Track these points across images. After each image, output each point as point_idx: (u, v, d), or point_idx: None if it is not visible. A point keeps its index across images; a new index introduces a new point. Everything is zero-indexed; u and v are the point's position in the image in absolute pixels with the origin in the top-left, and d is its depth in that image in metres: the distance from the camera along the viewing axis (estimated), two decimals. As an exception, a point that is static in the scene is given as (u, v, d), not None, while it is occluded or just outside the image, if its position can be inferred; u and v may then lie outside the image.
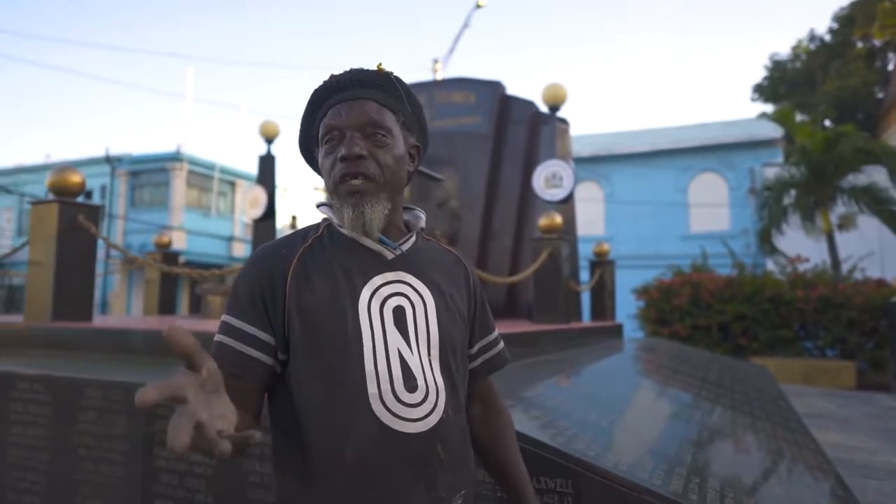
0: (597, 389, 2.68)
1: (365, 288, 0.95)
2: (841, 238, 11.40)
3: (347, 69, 1.02)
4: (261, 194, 7.27)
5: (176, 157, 18.56)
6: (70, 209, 3.19)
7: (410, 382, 0.92)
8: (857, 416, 6.17)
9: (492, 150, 6.46)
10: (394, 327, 0.94)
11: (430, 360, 0.96)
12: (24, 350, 2.87)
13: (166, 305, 5.82)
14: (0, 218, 21.56)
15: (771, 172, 13.89)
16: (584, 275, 6.97)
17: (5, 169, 21.41)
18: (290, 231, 1.11)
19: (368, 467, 0.88)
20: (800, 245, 11.75)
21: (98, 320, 3.61)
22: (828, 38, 23.55)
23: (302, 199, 22.67)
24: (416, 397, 0.92)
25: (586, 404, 2.23)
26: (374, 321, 0.93)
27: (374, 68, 1.02)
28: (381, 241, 0.99)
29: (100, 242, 3.34)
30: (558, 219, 4.69)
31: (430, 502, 0.92)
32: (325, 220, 1.04)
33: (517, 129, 6.53)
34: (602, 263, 6.70)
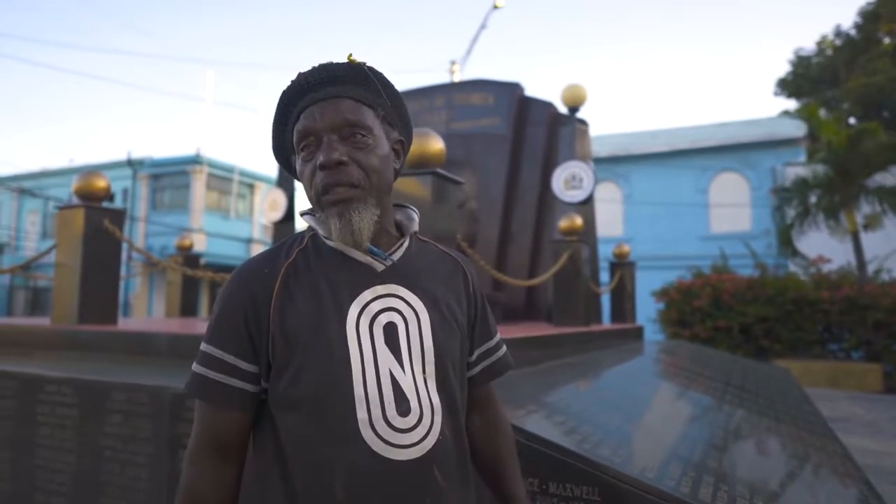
0: (619, 393, 2.66)
1: (353, 305, 0.88)
2: (865, 238, 11.20)
3: (317, 65, 0.93)
4: (280, 197, 7.31)
5: (196, 160, 18.77)
6: (95, 214, 3.24)
7: (403, 406, 0.86)
8: (884, 421, 6.05)
9: (510, 152, 6.43)
10: (384, 346, 0.88)
11: (424, 379, 0.89)
12: (50, 352, 2.92)
13: (188, 307, 5.89)
14: (25, 221, 21.98)
15: (793, 172, 13.69)
16: (604, 276, 6.91)
17: (30, 173, 21.81)
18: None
19: (360, 503, 0.83)
20: (822, 246, 11.56)
21: (122, 323, 3.66)
22: (853, 33, 23.15)
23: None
24: (409, 421, 0.86)
25: (609, 409, 2.21)
26: (363, 341, 0.87)
27: (345, 60, 0.93)
28: (370, 252, 0.91)
29: (123, 244, 3.39)
30: (578, 220, 4.66)
31: None
32: (309, 229, 0.97)
33: (536, 131, 6.50)
34: (622, 265, 6.64)
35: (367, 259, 0.91)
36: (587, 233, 5.38)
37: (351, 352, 0.86)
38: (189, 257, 6.09)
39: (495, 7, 14.47)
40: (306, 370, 0.85)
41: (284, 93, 0.94)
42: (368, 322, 0.88)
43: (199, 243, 17.53)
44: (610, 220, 17.12)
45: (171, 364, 2.53)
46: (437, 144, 2.33)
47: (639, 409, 2.46)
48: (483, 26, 14.95)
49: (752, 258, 12.02)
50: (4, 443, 2.32)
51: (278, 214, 7.25)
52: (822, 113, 11.98)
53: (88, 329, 3.01)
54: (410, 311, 0.91)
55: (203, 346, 0.91)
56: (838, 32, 23.76)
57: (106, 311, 3.27)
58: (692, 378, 3.87)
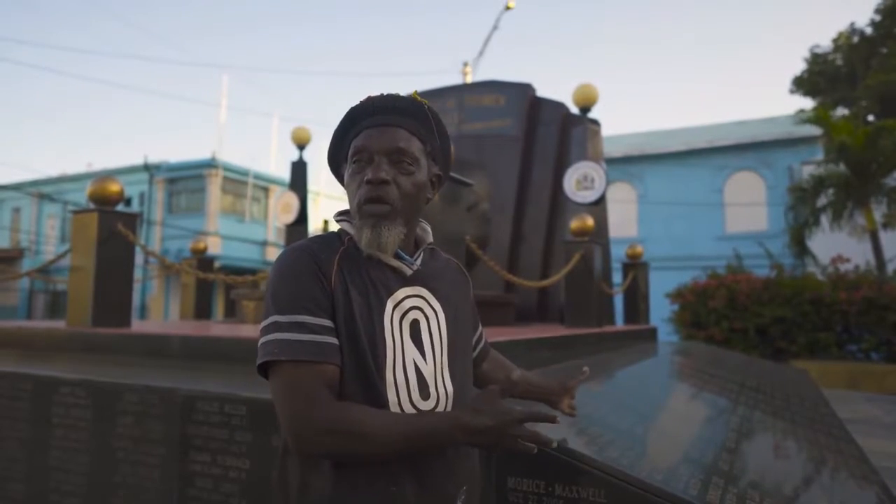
0: (631, 395, 2.64)
1: (389, 301, 1.01)
2: (884, 237, 11.02)
3: (385, 94, 1.05)
4: (293, 200, 7.35)
5: (211, 164, 18.92)
6: (109, 217, 3.28)
7: (425, 391, 1.00)
8: (904, 423, 5.95)
9: (522, 153, 6.42)
10: (410, 339, 1.01)
11: (441, 370, 1.04)
12: (66, 354, 2.96)
13: (202, 309, 5.94)
14: (45, 225, 22.29)
15: (810, 170, 13.51)
16: (617, 277, 6.87)
17: (50, 178, 22.11)
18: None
19: (394, 466, 0.95)
20: (840, 245, 11.39)
21: (136, 325, 3.70)
22: (869, 30, 22.80)
23: (333, 204, 22.92)
24: (429, 404, 1.00)
25: (620, 410, 2.19)
26: (395, 333, 1.00)
27: (411, 95, 1.06)
28: (398, 257, 1.04)
29: (138, 248, 3.42)
30: (590, 221, 4.64)
31: (438, 497, 0.99)
32: (345, 232, 1.07)
33: (548, 131, 6.48)
34: (635, 266, 6.60)
35: (398, 264, 1.04)
36: (599, 233, 5.36)
37: (387, 341, 0.99)
38: (203, 260, 6.15)
39: (507, 8, 14.47)
40: (357, 352, 0.96)
41: (352, 109, 1.06)
42: (399, 317, 1.02)
43: (215, 246, 17.69)
44: (624, 221, 17.01)
45: (183, 366, 2.56)
46: (445, 146, 2.33)
47: (650, 411, 2.44)
48: (495, 27, 14.96)
49: (769, 258, 11.87)
50: (20, 444, 2.35)
51: (291, 217, 7.30)
52: (838, 112, 11.77)
53: (102, 332, 3.05)
54: (431, 311, 1.06)
55: (292, 318, 0.95)
56: (854, 29, 23.42)
57: (120, 314, 3.31)
58: (706, 379, 3.83)
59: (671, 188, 17.32)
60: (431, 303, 1.07)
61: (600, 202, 5.88)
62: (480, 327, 1.30)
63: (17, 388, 2.41)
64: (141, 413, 2.09)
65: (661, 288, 11.43)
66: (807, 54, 24.31)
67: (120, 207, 3.45)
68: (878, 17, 22.38)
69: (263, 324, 0.97)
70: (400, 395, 0.97)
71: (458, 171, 2.52)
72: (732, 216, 16.80)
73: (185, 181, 19.68)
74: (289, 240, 7.50)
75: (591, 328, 4.38)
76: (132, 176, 19.24)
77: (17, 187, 21.74)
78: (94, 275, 3.20)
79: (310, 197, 7.34)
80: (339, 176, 1.12)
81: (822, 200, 11.19)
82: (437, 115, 1.09)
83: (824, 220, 11.15)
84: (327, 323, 0.96)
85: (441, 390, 1.02)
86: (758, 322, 10.00)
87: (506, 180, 6.38)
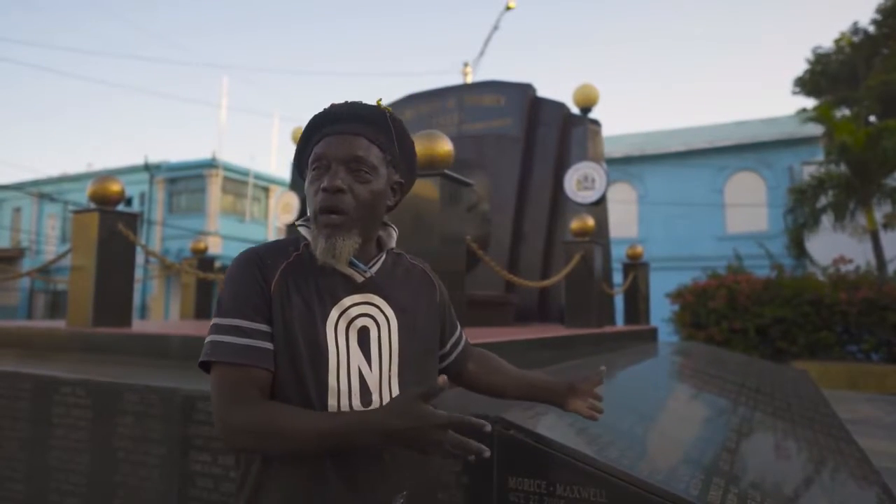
0: (631, 395, 2.64)
1: (334, 308, 1.02)
2: (884, 238, 11.02)
3: (347, 101, 1.07)
4: (293, 200, 7.37)
5: (211, 164, 18.93)
6: (110, 217, 3.28)
7: (367, 398, 1.01)
8: (904, 423, 5.95)
9: (522, 153, 6.42)
10: (357, 346, 1.02)
11: (388, 377, 1.04)
12: (66, 354, 2.96)
13: (202, 309, 5.94)
14: (45, 225, 22.30)
15: (811, 171, 13.51)
16: (618, 277, 6.87)
17: (50, 178, 22.12)
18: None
19: (324, 470, 0.97)
20: (842, 246, 11.39)
21: (136, 325, 3.70)
22: (872, 30, 22.77)
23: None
24: None
25: (620, 411, 2.19)
26: (339, 340, 1.01)
27: (374, 104, 1.07)
28: (351, 265, 1.04)
29: (138, 248, 3.42)
30: (590, 221, 4.64)
31: (369, 501, 1.00)
32: (304, 238, 1.08)
33: (548, 131, 6.48)
34: (635, 266, 6.60)
35: (350, 271, 1.05)
36: (599, 233, 5.35)
37: (329, 348, 1.00)
38: (204, 260, 6.15)
39: (508, 8, 14.46)
40: (294, 357, 0.98)
41: (315, 117, 1.07)
42: (346, 324, 1.02)
43: (215, 246, 17.68)
44: (625, 221, 17.00)
45: (183, 366, 2.55)
46: (445, 146, 2.33)
47: (650, 411, 2.44)
48: (496, 27, 14.94)
49: (769, 259, 11.87)
50: (20, 443, 2.35)
51: (291, 217, 7.31)
52: (839, 113, 11.78)
53: (103, 331, 3.05)
54: (383, 318, 1.06)
55: (228, 321, 1.00)
56: (856, 30, 23.38)
57: (120, 314, 3.31)
58: (706, 380, 3.83)
59: (671, 188, 17.31)
60: (384, 310, 1.07)
61: (601, 202, 5.88)
62: (459, 329, 1.30)
63: (17, 388, 2.41)
64: (141, 413, 2.09)
65: (661, 288, 11.44)
66: (809, 55, 24.29)
67: (120, 207, 3.45)
68: (880, 17, 22.36)
69: (210, 324, 1.02)
70: (341, 400, 0.99)
71: (459, 171, 2.52)
72: (733, 217, 16.80)
73: (185, 181, 19.69)
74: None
75: (592, 328, 4.38)
76: (132, 176, 19.25)
77: (17, 187, 21.76)
78: (94, 274, 3.20)
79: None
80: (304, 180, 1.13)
81: (822, 201, 11.18)
82: (399, 122, 1.09)
83: (826, 220, 11.14)
84: (263, 328, 0.99)
85: (386, 398, 1.03)
86: (758, 322, 10.00)
87: (506, 180, 6.38)
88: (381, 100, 1.08)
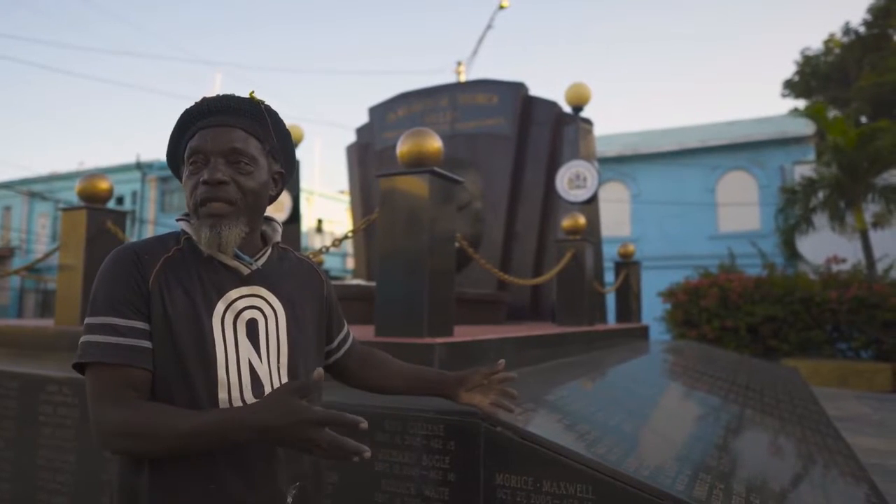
0: (621, 392, 2.64)
1: (220, 302, 1.01)
2: (875, 237, 11.10)
3: (220, 95, 1.05)
4: (285, 198, 7.33)
5: (204, 163, 18.85)
6: (98, 215, 3.25)
7: (258, 390, 1.00)
8: (892, 420, 5.99)
9: (515, 152, 6.42)
10: (246, 339, 1.01)
11: (278, 368, 1.04)
12: (54, 353, 2.94)
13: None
14: (36, 224, 22.18)
15: (802, 170, 13.59)
16: (610, 276, 6.89)
17: (40, 176, 21.99)
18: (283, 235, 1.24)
19: (216, 464, 0.95)
20: (834, 245, 11.46)
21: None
22: (862, 30, 22.91)
23: (326, 203, 22.86)
24: None
25: (610, 408, 2.19)
26: (227, 333, 1.00)
27: (247, 96, 1.06)
28: (237, 257, 1.03)
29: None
30: (582, 220, 4.64)
31: (266, 494, 0.99)
32: (184, 232, 1.06)
33: (540, 130, 6.48)
34: (627, 264, 6.62)
35: (235, 263, 1.03)
36: (591, 232, 5.36)
37: (216, 342, 0.98)
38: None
39: (501, 7, 14.46)
40: (178, 353, 0.96)
41: (187, 111, 1.05)
42: (233, 317, 1.01)
43: (207, 245, 17.58)
44: (618, 221, 17.05)
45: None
46: (434, 143, 2.32)
47: (639, 408, 2.44)
48: (489, 26, 14.95)
49: (761, 258, 11.92)
50: (7, 442, 2.34)
51: (283, 215, 7.28)
52: (830, 114, 11.86)
53: (92, 330, 3.02)
54: (270, 310, 1.06)
55: (101, 319, 0.96)
56: (847, 30, 23.51)
57: (110, 312, 3.28)
58: (696, 377, 3.85)
59: (664, 188, 17.38)
60: (271, 302, 1.06)
61: (592, 201, 5.89)
62: (346, 326, 1.32)
63: (4, 387, 2.39)
64: (129, 411, 2.07)
65: (654, 287, 11.48)
66: (797, 57, 24.41)
67: (112, 205, 3.43)
68: (870, 18, 22.49)
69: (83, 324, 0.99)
70: (232, 393, 0.97)
71: (451, 169, 2.52)
72: (725, 216, 16.88)
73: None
74: (283, 238, 7.46)
75: (583, 326, 4.39)
76: (124, 174, 19.17)
77: (8, 186, 21.62)
78: (83, 273, 3.17)
79: (302, 195, 7.32)
80: (179, 176, 1.12)
81: (813, 202, 11.25)
82: (275, 113, 1.09)
83: (817, 220, 11.21)
84: (139, 325, 0.96)
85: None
86: (749, 321, 10.05)
87: (498, 179, 6.38)
88: (253, 92, 1.07)
